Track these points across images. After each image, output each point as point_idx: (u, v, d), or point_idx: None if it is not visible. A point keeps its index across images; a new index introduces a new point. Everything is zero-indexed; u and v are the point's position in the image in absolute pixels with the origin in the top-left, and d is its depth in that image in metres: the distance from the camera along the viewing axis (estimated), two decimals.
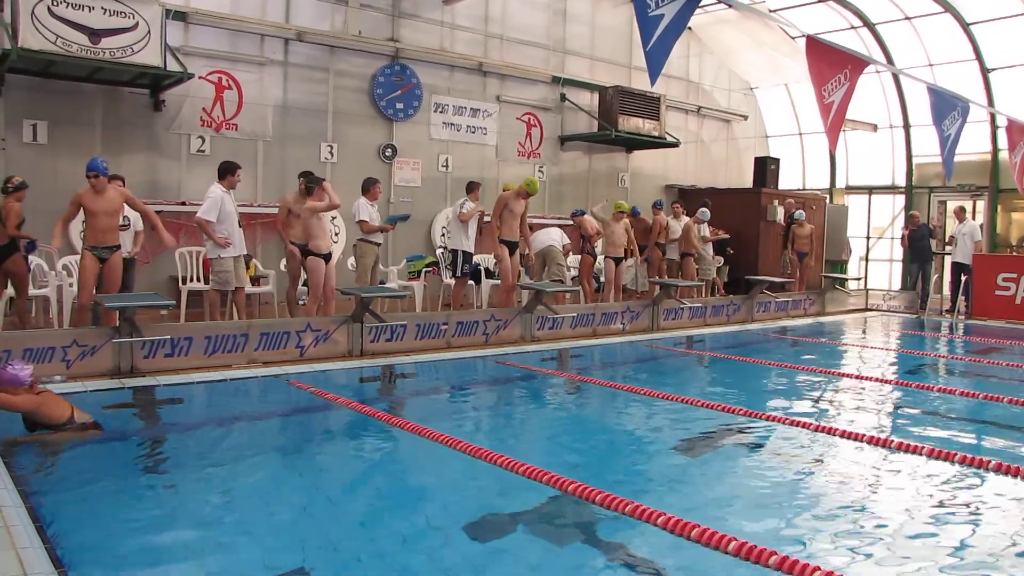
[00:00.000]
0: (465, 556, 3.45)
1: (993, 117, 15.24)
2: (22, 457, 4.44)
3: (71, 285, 8.51)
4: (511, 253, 9.92)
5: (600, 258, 12.28)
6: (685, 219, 13.52)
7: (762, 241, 15.45)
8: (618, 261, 11.98)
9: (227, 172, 8.28)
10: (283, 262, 9.47)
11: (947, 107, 10.54)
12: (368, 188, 9.41)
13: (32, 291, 8.36)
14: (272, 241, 11.08)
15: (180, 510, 3.88)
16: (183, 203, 9.98)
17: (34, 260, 8.50)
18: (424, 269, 11.23)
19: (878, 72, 16.08)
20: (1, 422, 4.78)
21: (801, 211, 14.87)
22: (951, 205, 17.79)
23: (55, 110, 9.44)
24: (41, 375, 5.33)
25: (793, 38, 15.24)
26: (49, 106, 9.42)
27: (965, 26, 15.20)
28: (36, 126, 9.33)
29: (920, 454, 5.02)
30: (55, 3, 8.39)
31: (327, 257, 8.51)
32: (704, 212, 13.76)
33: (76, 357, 6.42)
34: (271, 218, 10.99)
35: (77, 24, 8.51)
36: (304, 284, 8.87)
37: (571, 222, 12.32)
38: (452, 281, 10.50)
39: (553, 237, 11.43)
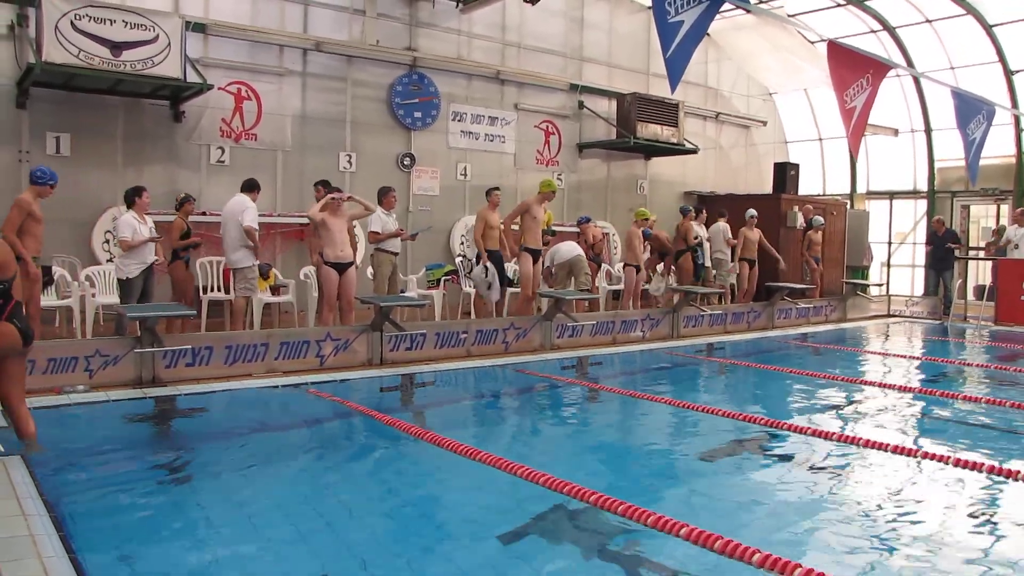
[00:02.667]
0: (486, 566, 3.43)
1: (1018, 120, 15.05)
2: (47, 466, 4.46)
3: (93, 295, 8.61)
4: (535, 261, 9.86)
5: (619, 266, 12.23)
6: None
7: (782, 247, 15.30)
8: (637, 269, 11.93)
9: (255, 188, 8.84)
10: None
11: (972, 111, 10.44)
12: (382, 198, 9.41)
13: (55, 301, 8.45)
14: (291, 251, 11.15)
15: (201, 521, 3.89)
16: (203, 213, 10.04)
17: (57, 271, 8.60)
18: (443, 278, 11.22)
19: (898, 76, 15.94)
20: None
21: (819, 217, 14.72)
22: (975, 209, 17.61)
23: (78, 122, 9.55)
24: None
25: (812, 42, 15.15)
26: (72, 118, 9.53)
27: (988, 28, 15.03)
28: (59, 138, 9.43)
29: (947, 464, 4.94)
30: (78, 17, 8.49)
31: (341, 267, 8.52)
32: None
33: (98, 367, 6.47)
34: (290, 228, 11.09)
35: (99, 37, 8.61)
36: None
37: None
38: (472, 290, 10.46)
39: (577, 247, 11.38)
